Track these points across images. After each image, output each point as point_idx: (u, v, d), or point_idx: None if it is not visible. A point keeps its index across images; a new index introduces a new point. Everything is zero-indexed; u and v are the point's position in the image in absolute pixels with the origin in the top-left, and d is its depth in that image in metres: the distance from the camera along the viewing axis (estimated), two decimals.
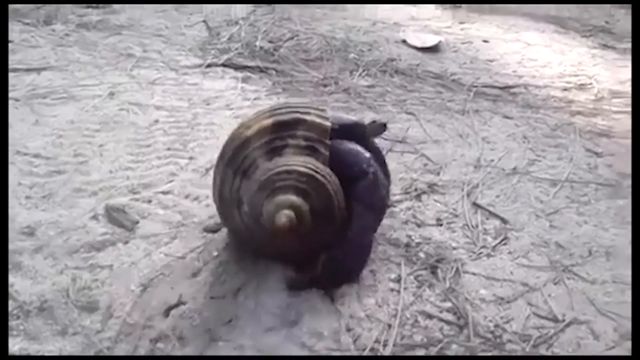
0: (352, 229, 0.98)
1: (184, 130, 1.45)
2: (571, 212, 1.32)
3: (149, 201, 1.19)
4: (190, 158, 1.34)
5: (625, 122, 1.81)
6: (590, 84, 2.10)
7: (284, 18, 2.47)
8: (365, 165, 0.98)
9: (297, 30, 2.35)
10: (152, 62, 1.87)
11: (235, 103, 1.63)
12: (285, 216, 0.89)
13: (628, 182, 1.46)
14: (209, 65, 1.90)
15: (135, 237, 1.09)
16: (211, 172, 1.29)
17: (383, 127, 1.16)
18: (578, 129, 1.72)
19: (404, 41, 2.36)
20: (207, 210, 1.18)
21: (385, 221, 1.19)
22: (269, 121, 0.98)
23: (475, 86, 2.00)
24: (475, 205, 1.31)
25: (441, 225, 1.23)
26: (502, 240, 1.20)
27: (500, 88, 2.02)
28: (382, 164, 1.11)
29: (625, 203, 1.37)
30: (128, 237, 1.09)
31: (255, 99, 1.67)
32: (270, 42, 2.21)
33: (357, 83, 1.93)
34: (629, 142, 1.68)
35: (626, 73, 2.22)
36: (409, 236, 1.18)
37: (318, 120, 0.99)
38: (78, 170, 1.27)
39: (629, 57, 2.46)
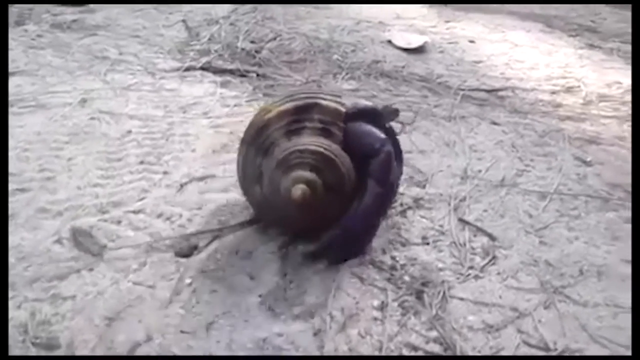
0: (364, 201, 1.03)
1: (158, 141, 1.35)
2: (561, 227, 1.26)
3: (119, 222, 1.10)
4: (164, 172, 1.25)
5: (613, 128, 1.75)
6: (578, 86, 2.04)
7: (267, 17, 2.38)
8: (379, 145, 1.04)
9: (279, 30, 2.25)
10: (128, 66, 1.77)
11: (214, 111, 1.53)
12: (300, 189, 0.97)
13: (618, 193, 1.40)
14: (187, 69, 1.80)
15: (102, 264, 1.00)
16: (185, 188, 1.22)
17: (395, 112, 1.21)
18: (567, 136, 1.65)
19: (389, 41, 2.28)
20: (180, 231, 1.09)
21: (375, 242, 1.12)
22: (289, 105, 1.06)
23: (462, 89, 1.93)
24: (462, 221, 1.24)
25: (427, 244, 1.16)
26: (490, 260, 1.14)
27: (488, 91, 1.95)
28: (396, 146, 1.16)
29: (615, 216, 1.31)
30: (94, 263, 1.00)
31: (235, 105, 1.58)
32: (252, 42, 2.11)
33: (341, 87, 1.85)
34: (617, 149, 1.63)
35: (613, 75, 2.17)
36: (394, 257, 1.10)
37: (333, 105, 1.06)
38: (44, 187, 1.18)
39: (616, 57, 2.40)
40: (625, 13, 2.93)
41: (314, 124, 1.04)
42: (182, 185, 1.20)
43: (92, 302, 0.93)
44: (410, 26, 2.50)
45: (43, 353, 0.84)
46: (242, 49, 2.02)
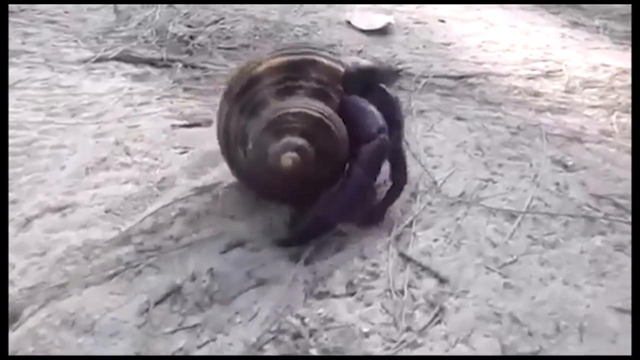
0: (344, 190, 0.87)
1: (19, 157, 0.99)
2: (533, 261, 0.91)
3: None
4: (13, 202, 0.89)
5: (599, 121, 1.38)
6: (560, 70, 1.66)
7: None
8: (376, 130, 0.88)
9: (224, 11, 1.86)
10: (28, 58, 1.39)
11: (111, 112, 1.16)
12: (290, 158, 0.83)
13: (605, 207, 1.04)
14: (99, 60, 1.42)
15: None
16: (32, 223, 0.86)
17: (396, 74, 1.08)
18: (545, 132, 1.29)
19: (348, 22, 1.89)
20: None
21: (278, 293, 0.78)
22: (283, 59, 0.90)
23: (426, 76, 1.56)
24: (404, 257, 0.89)
25: (353, 294, 0.81)
26: (436, 316, 0.79)
27: (456, 78, 1.58)
28: (397, 113, 0.98)
29: (602, 242, 0.95)
30: None
31: (141, 104, 1.21)
32: (188, 26, 1.73)
33: None
34: (604, 148, 1.26)
35: (599, 56, 1.78)
36: (303, 318, 0.75)
37: (332, 64, 0.91)
38: None
39: (602, 36, 2.01)
40: None
41: (310, 84, 0.88)
42: (27, 220, 0.85)
43: None
44: (376, 4, 2.11)
45: None
46: (174, 35, 1.64)
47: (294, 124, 0.85)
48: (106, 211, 0.86)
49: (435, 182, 1.07)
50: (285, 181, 0.86)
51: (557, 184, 1.10)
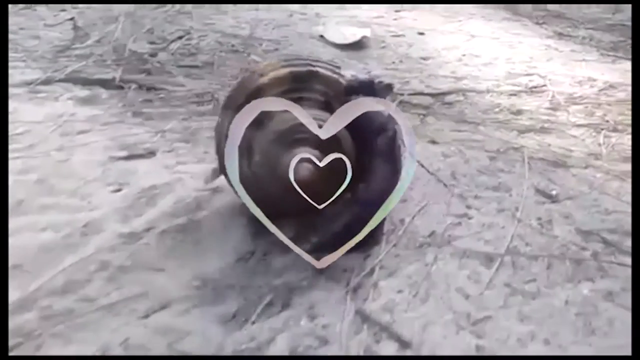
0: (372, 179, 0.84)
1: None
2: (511, 316, 0.77)
3: None
4: None
5: (585, 142, 1.26)
6: (544, 85, 1.54)
7: (181, 11, 1.85)
8: (385, 121, 0.85)
9: (191, 26, 1.73)
10: None
11: (44, 143, 1.02)
12: (307, 169, 0.81)
13: (593, 245, 0.91)
14: (45, 82, 1.29)
15: None
16: None
17: (389, 88, 1.02)
18: (527, 157, 1.16)
19: (322, 37, 1.76)
20: None
21: None
22: (286, 70, 0.88)
23: (401, 94, 1.43)
24: (362, 315, 0.75)
25: None
26: None
27: (433, 95, 1.45)
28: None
29: (590, 291, 0.82)
30: None
31: (80, 132, 1.07)
32: (151, 43, 1.59)
33: None
34: (590, 173, 1.13)
35: (585, 70, 1.66)
36: None
37: (334, 76, 0.90)
38: None
39: (588, 48, 1.89)
40: None
41: (314, 95, 0.87)
42: None
43: None
44: (352, 17, 1.98)
45: None
46: (134, 52, 1.50)
47: (303, 135, 0.83)
48: (14, 267, 0.72)
49: (401, 220, 0.93)
50: (295, 193, 0.81)
51: (539, 218, 0.97)
